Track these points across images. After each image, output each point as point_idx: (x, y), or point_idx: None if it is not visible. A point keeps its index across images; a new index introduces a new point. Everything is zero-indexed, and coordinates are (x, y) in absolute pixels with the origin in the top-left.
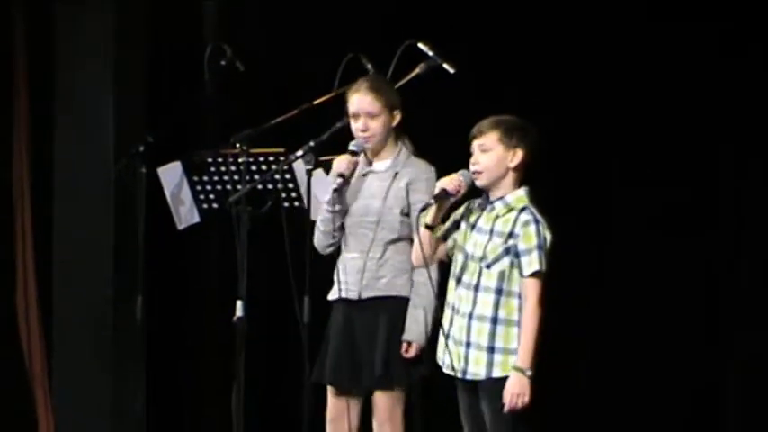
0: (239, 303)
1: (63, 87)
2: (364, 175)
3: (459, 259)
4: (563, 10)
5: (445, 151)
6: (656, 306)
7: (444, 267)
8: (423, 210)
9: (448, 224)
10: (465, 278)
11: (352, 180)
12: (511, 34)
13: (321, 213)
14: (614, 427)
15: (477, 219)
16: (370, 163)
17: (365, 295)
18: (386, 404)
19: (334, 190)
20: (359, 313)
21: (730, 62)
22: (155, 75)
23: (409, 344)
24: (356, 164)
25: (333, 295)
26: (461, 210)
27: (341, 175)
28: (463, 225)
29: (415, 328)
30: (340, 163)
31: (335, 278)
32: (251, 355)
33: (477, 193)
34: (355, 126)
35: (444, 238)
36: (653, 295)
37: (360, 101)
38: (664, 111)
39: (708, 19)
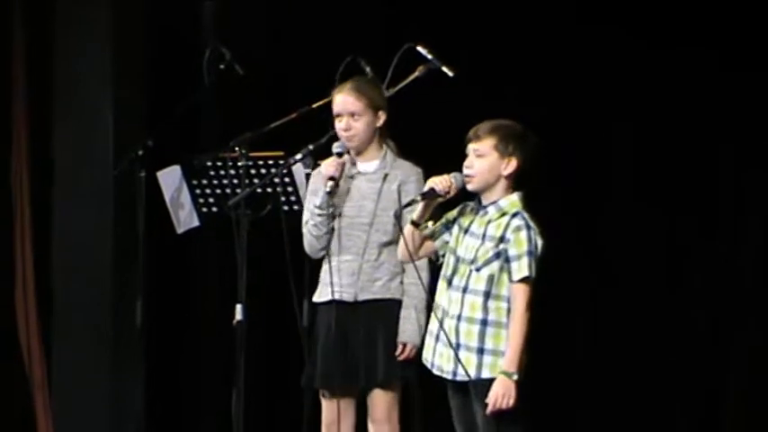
0: (239, 307)
1: (62, 91)
2: (351, 177)
3: (450, 262)
4: (563, 14)
5: (443, 154)
6: (652, 307)
7: (434, 269)
8: (407, 205)
9: (438, 224)
10: (455, 281)
11: (341, 182)
12: (510, 37)
13: (312, 218)
14: (611, 429)
15: (471, 223)
16: (355, 164)
17: (361, 298)
18: (384, 405)
19: (327, 193)
20: (354, 316)
21: (730, 69)
22: (154, 78)
23: (404, 345)
24: (344, 165)
25: (321, 297)
26: (455, 212)
27: (332, 178)
28: (456, 228)
29: (409, 329)
30: (328, 166)
31: (325, 280)
32: (251, 359)
33: (470, 196)
34: (338, 126)
35: (433, 237)
36: (650, 297)
37: (342, 101)
38: (663, 114)
39: (707, 26)
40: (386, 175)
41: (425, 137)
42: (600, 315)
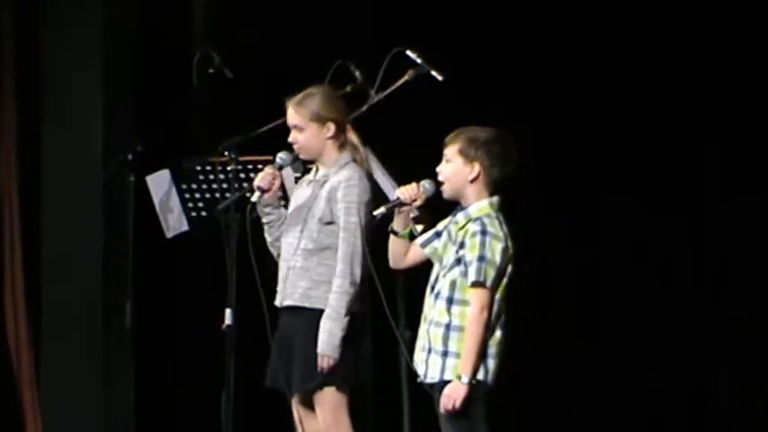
0: (228, 311)
1: (51, 96)
2: (309, 184)
3: (435, 269)
4: (551, 18)
5: (431, 157)
6: (645, 310)
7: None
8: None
9: (430, 232)
10: (436, 287)
11: (299, 189)
12: (500, 41)
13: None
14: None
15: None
16: (315, 173)
17: (284, 303)
18: (324, 411)
19: (253, 203)
20: (281, 321)
21: (715, 67)
22: (143, 83)
23: (323, 356)
24: (276, 177)
25: None
26: (446, 220)
27: (259, 188)
28: (444, 236)
29: (322, 340)
30: (260, 177)
31: None
32: (240, 363)
33: (451, 204)
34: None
35: (423, 244)
36: (643, 299)
37: (288, 113)
38: (649, 117)
39: (689, 24)
40: (324, 183)
41: (414, 140)
42: (590, 315)
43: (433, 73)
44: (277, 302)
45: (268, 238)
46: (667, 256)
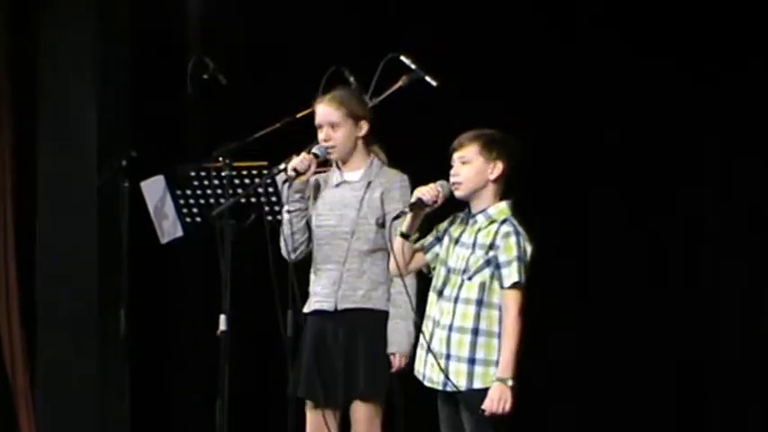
0: (223, 317)
1: (46, 102)
2: (337, 186)
3: (441, 273)
4: (544, 21)
5: (427, 163)
6: (644, 310)
7: (423, 278)
8: (396, 217)
9: (429, 237)
10: (446, 291)
11: (326, 191)
12: (493, 46)
13: (283, 217)
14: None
15: (461, 233)
16: (341, 173)
17: (341, 307)
18: (366, 416)
19: (284, 182)
20: (334, 325)
21: (715, 66)
22: (137, 89)
23: (394, 355)
24: (312, 164)
25: (308, 307)
26: (445, 223)
27: (295, 170)
28: (446, 239)
29: (398, 339)
30: (297, 160)
31: (311, 290)
32: (235, 369)
33: (458, 205)
34: (320, 136)
35: (425, 250)
36: (639, 300)
37: (322, 111)
38: (647, 116)
39: (686, 27)
40: (369, 183)
41: (409, 146)
42: (588, 315)
43: (427, 79)
44: (325, 307)
45: (289, 229)
46: (666, 256)
